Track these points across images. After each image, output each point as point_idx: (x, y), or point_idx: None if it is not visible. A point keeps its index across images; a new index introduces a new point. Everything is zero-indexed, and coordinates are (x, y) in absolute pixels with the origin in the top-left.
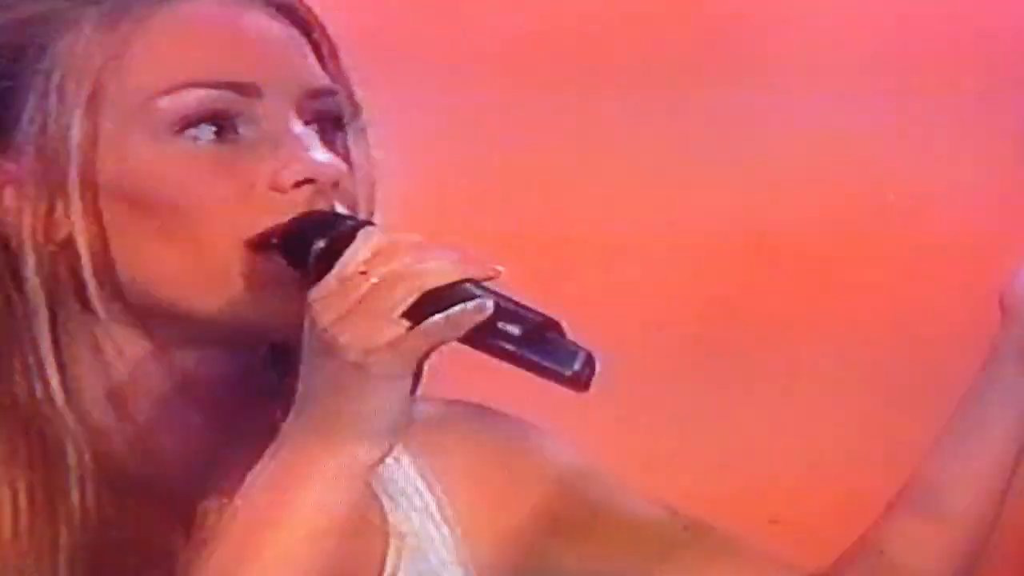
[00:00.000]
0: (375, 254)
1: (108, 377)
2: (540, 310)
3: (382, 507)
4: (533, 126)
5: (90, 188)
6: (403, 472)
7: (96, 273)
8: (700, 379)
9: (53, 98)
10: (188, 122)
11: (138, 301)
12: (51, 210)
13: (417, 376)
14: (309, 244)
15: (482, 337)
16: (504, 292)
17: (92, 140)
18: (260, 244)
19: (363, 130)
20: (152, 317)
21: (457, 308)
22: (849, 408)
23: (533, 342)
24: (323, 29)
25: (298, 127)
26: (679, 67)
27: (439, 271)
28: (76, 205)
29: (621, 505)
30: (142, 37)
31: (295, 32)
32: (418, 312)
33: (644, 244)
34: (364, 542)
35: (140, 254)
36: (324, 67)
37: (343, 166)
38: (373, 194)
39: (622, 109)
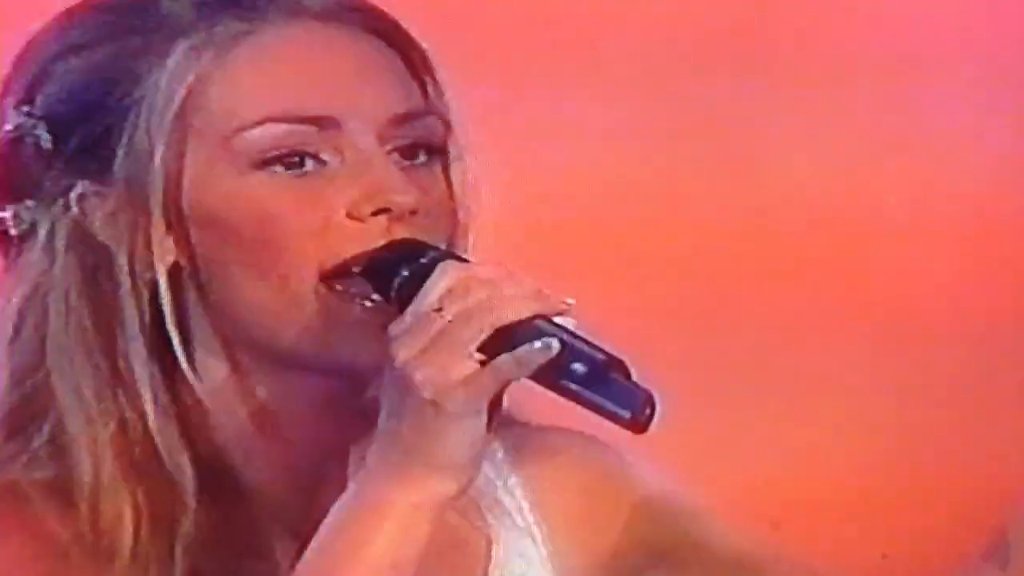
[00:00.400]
0: (451, 289)
1: (193, 399)
2: (606, 348)
3: (486, 523)
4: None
5: (176, 218)
6: (508, 492)
7: (177, 301)
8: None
9: (141, 130)
10: (268, 156)
11: (225, 330)
12: (139, 238)
13: (496, 407)
14: (393, 274)
15: (547, 375)
16: (573, 328)
17: (177, 171)
18: (340, 273)
19: (457, 156)
20: (236, 345)
21: (524, 348)
22: (855, 409)
23: (595, 382)
24: (419, 49)
25: (378, 155)
26: (686, 61)
27: (511, 308)
28: (158, 234)
29: (711, 536)
30: (224, 70)
31: (388, 53)
32: (491, 349)
33: (646, 236)
34: (466, 555)
35: (229, 283)
36: (423, 88)
37: (420, 194)
38: (459, 223)
39: (627, 101)
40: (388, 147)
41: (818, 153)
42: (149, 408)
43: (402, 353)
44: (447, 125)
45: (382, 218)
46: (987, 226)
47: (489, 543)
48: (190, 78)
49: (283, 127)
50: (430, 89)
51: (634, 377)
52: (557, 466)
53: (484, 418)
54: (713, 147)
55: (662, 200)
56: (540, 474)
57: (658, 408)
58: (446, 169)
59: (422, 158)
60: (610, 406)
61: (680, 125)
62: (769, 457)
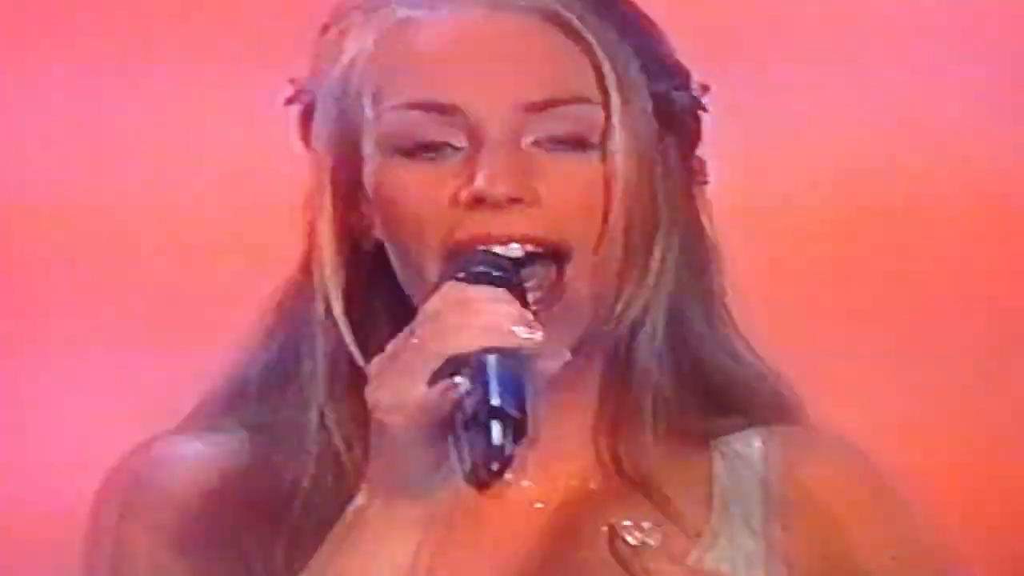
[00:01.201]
0: (428, 313)
1: None
2: (516, 399)
3: (710, 501)
4: None
5: (356, 194)
6: (755, 493)
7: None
8: None
9: (321, 107)
10: (402, 145)
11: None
12: (325, 211)
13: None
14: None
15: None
16: (517, 368)
17: (351, 152)
18: (449, 257)
19: (619, 149)
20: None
21: (444, 382)
22: None
23: (469, 428)
24: (593, 37)
25: (493, 143)
26: None
27: (464, 338)
28: (328, 208)
29: None
30: (379, 54)
31: (556, 39)
32: (439, 377)
33: None
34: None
35: (395, 264)
36: (599, 76)
37: (516, 187)
38: (606, 218)
39: None
40: (534, 135)
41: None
42: (321, 391)
43: (372, 369)
44: (609, 115)
45: (480, 207)
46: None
47: (712, 526)
48: (357, 59)
49: (409, 113)
50: (606, 78)
51: (510, 439)
52: (816, 478)
53: (432, 446)
54: None
55: None
56: (790, 473)
57: (505, 475)
58: (605, 161)
59: (572, 147)
60: (464, 454)
61: None
62: None
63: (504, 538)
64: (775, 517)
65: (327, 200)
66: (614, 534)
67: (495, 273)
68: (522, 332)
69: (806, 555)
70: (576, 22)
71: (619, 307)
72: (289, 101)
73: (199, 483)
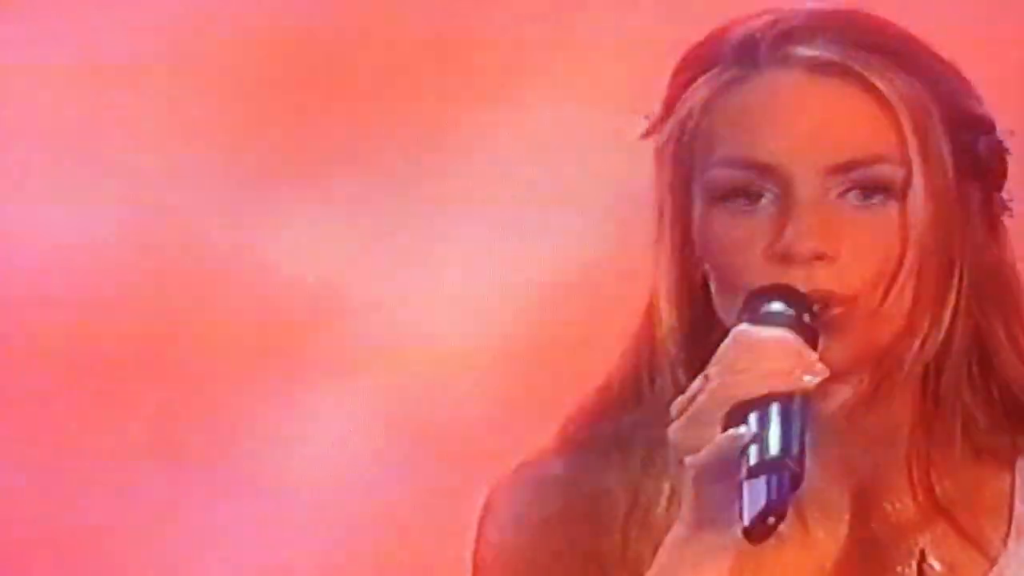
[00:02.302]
0: (722, 357)
1: None
2: (794, 449)
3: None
4: None
5: (685, 233)
6: None
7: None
8: None
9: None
10: (721, 193)
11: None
12: (661, 245)
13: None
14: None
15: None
16: (796, 413)
17: (684, 193)
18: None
19: (917, 201)
20: None
21: (724, 435)
22: None
23: (755, 476)
24: (895, 99)
25: (805, 202)
26: None
27: (748, 384)
28: (664, 234)
29: None
30: (712, 110)
31: (862, 101)
32: (731, 421)
33: None
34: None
35: (714, 293)
36: (900, 135)
37: (821, 244)
38: (901, 269)
39: None
40: (841, 188)
41: None
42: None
43: (674, 409)
44: (909, 172)
45: (787, 263)
46: None
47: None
48: (692, 111)
49: (730, 168)
50: (907, 138)
51: (785, 492)
52: None
53: (734, 481)
54: None
55: None
56: None
57: (778, 527)
58: (902, 214)
59: (877, 199)
60: (745, 504)
61: None
62: None
63: (809, 558)
64: None
65: (667, 235)
66: (923, 558)
67: (786, 312)
68: (805, 376)
69: None
70: (881, 85)
71: (915, 347)
72: (645, 136)
73: (548, 505)
